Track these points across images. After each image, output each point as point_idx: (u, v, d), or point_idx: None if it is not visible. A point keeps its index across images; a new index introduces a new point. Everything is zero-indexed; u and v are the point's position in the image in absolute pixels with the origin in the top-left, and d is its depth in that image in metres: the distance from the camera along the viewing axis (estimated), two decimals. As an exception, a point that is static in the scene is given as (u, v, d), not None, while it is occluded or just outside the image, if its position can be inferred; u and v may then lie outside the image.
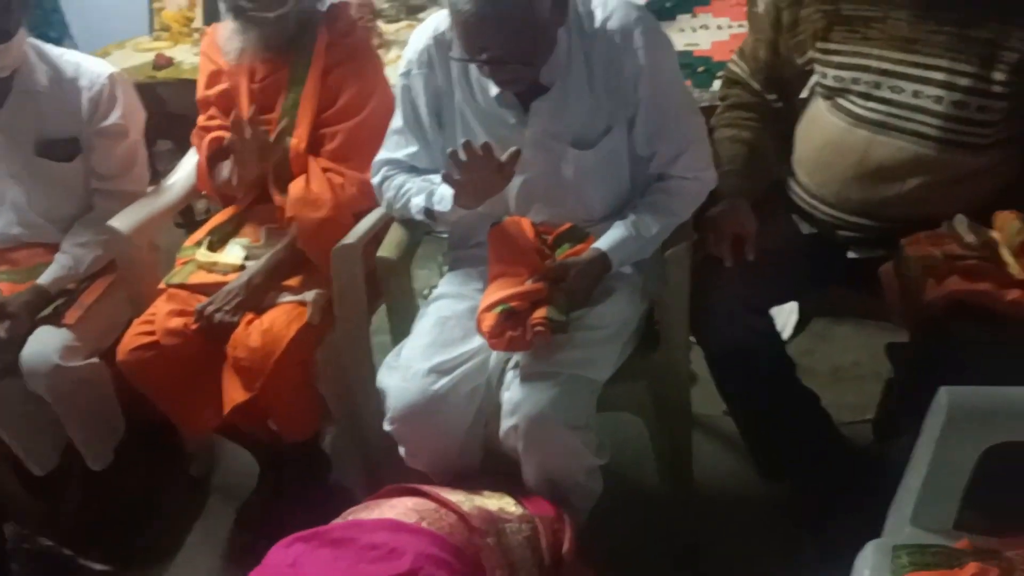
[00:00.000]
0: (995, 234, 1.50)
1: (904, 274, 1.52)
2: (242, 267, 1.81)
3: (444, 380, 1.51)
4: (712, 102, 1.94)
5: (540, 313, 1.47)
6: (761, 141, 1.76)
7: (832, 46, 1.63)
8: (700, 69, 2.24)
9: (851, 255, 1.69)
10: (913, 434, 1.29)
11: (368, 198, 1.78)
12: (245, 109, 1.88)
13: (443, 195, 1.58)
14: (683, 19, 2.58)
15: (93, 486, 1.96)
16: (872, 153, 1.60)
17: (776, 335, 1.70)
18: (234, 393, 1.70)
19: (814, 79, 1.70)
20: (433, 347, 1.55)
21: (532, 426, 1.45)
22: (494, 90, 1.55)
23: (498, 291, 1.51)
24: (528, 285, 1.51)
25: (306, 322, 1.72)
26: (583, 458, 1.50)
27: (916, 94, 1.56)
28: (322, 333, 1.78)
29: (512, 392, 1.48)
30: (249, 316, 1.72)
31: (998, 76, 1.50)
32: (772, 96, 1.79)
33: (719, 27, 2.50)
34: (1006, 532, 1.22)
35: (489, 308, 1.49)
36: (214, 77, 1.94)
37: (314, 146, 1.86)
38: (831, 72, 1.64)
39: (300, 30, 1.86)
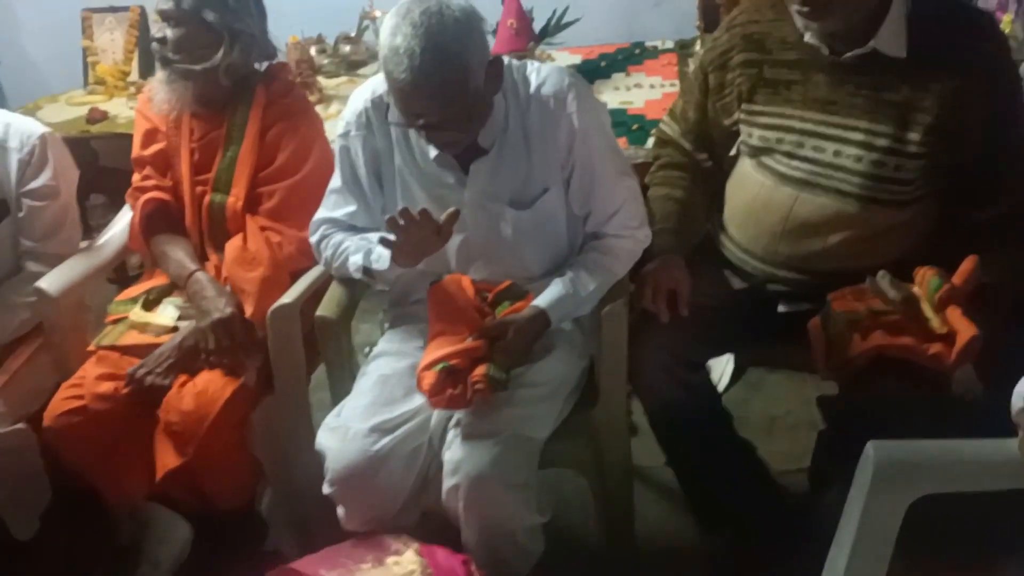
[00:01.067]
0: (916, 290, 1.55)
1: (830, 329, 1.56)
2: (175, 328, 1.78)
3: (385, 440, 1.50)
4: (647, 159, 1.99)
5: (480, 371, 1.48)
6: (693, 199, 1.81)
7: (756, 107, 1.69)
8: (634, 127, 2.31)
9: (781, 309, 1.74)
10: (845, 485, 1.32)
11: (306, 257, 1.77)
12: (185, 169, 1.87)
13: (381, 253, 1.58)
14: (618, 78, 2.66)
15: (16, 557, 1.86)
16: (797, 210, 1.66)
17: (711, 388, 1.73)
18: (166, 459, 1.66)
19: (741, 138, 1.76)
20: (374, 406, 1.54)
21: (473, 486, 1.44)
22: (433, 152, 1.57)
23: (438, 349, 1.51)
24: (468, 343, 1.51)
25: (241, 384, 1.69)
26: (523, 517, 1.50)
27: (837, 153, 1.62)
28: (259, 395, 1.75)
29: (453, 451, 1.48)
30: (182, 378, 1.68)
31: (913, 137, 1.57)
32: (702, 155, 1.84)
33: (651, 86, 2.58)
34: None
35: (429, 366, 1.49)
36: (150, 136, 1.92)
37: (252, 205, 1.85)
38: (756, 132, 1.70)
39: (237, 89, 1.86)
